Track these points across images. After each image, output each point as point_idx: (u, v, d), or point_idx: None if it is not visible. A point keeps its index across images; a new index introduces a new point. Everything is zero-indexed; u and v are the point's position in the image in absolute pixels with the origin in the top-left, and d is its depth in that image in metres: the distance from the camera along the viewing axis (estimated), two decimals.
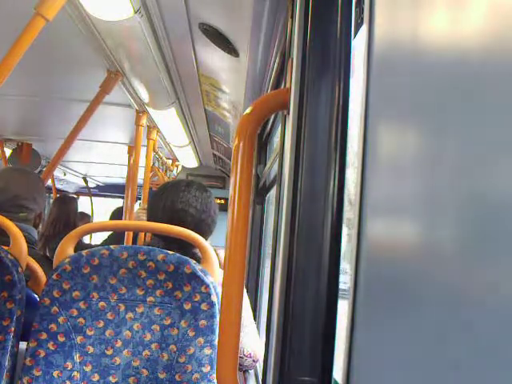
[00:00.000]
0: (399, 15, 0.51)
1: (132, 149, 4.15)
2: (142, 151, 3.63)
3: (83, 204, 8.66)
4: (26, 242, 1.70)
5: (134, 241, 3.40)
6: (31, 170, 2.30)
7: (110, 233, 3.53)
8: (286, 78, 1.07)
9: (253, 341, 1.73)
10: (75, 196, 4.10)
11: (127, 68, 2.65)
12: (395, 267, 0.48)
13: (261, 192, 2.95)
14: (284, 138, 1.05)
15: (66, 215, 3.59)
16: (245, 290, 1.21)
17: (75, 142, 3.11)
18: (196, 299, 1.52)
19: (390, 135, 0.53)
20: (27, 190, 2.00)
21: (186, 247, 1.70)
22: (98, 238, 4.90)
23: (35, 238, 2.03)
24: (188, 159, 5.89)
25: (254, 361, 1.72)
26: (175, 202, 1.77)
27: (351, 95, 0.86)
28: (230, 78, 2.73)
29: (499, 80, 0.31)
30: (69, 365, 1.49)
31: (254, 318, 2.74)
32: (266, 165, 2.85)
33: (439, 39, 0.41)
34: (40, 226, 2.20)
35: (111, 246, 1.57)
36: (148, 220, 1.80)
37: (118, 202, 7.72)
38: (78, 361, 1.50)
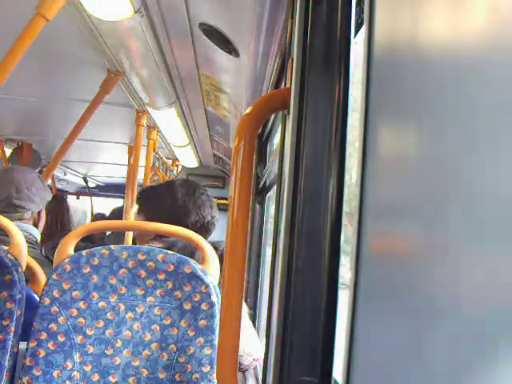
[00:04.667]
0: (399, 15, 0.51)
1: (132, 149, 4.15)
2: (142, 151, 3.63)
3: (84, 204, 8.66)
4: (26, 241, 1.70)
5: (134, 241, 3.40)
6: (28, 169, 2.29)
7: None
8: (286, 78, 1.07)
9: (252, 340, 1.73)
10: (63, 195, 4.08)
11: (127, 68, 2.64)
12: (395, 267, 0.48)
13: (261, 192, 2.95)
14: (284, 137, 1.05)
15: (59, 215, 3.56)
16: None
17: (75, 141, 3.11)
18: (196, 299, 1.52)
19: (390, 135, 0.53)
20: (19, 190, 1.99)
21: (186, 248, 1.70)
22: None
23: (36, 237, 2.02)
24: (188, 159, 5.88)
25: (254, 359, 1.72)
26: (174, 202, 1.77)
27: (351, 95, 0.86)
28: (230, 77, 2.73)
29: (500, 79, 0.31)
30: (69, 365, 1.49)
31: (254, 318, 2.74)
32: (265, 165, 2.85)
33: (439, 39, 0.41)
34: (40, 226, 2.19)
35: (111, 246, 1.57)
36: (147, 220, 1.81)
37: (118, 202, 7.72)
38: (78, 361, 1.50)
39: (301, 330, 0.86)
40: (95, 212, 6.00)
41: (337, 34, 0.87)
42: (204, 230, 1.79)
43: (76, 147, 3.46)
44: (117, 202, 7.80)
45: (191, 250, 1.71)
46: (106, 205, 8.25)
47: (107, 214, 5.14)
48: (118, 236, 3.35)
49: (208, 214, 1.81)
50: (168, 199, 1.81)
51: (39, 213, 2.09)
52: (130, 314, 1.53)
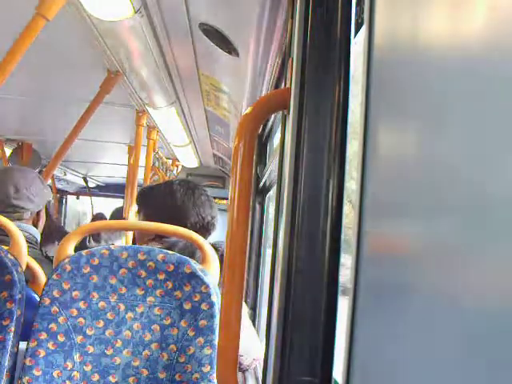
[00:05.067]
0: (399, 15, 0.51)
1: (132, 149, 4.15)
2: (142, 151, 3.63)
3: (84, 204, 8.66)
4: (26, 241, 1.70)
5: (134, 241, 3.40)
6: (28, 169, 2.28)
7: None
8: (286, 77, 1.07)
9: (252, 340, 1.73)
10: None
11: (127, 68, 2.65)
12: (395, 267, 0.48)
13: (261, 192, 2.95)
14: (284, 137, 1.05)
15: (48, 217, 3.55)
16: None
17: (75, 141, 3.11)
18: (196, 299, 1.52)
19: (390, 135, 0.53)
20: (18, 190, 1.98)
21: (187, 248, 1.70)
22: None
23: (36, 237, 2.02)
24: (188, 159, 5.89)
25: (254, 359, 1.72)
26: (174, 203, 1.77)
27: (351, 95, 0.86)
28: (230, 77, 2.73)
29: (500, 79, 0.31)
30: (69, 365, 1.49)
31: (254, 318, 2.74)
32: (265, 165, 2.85)
33: (439, 39, 0.41)
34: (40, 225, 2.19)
35: (111, 246, 1.57)
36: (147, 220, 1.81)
37: (118, 202, 7.72)
38: (78, 361, 1.50)
39: (301, 330, 0.86)
40: (95, 212, 6.04)
41: (337, 33, 0.87)
42: (204, 230, 1.79)
43: (76, 147, 3.47)
44: (117, 202, 7.81)
45: (192, 250, 1.71)
46: (106, 205, 8.26)
47: (107, 213, 5.14)
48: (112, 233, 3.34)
49: (208, 215, 1.81)
50: (167, 200, 1.81)
51: (39, 213, 2.08)
52: (130, 314, 1.53)
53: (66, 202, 8.47)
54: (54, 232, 3.35)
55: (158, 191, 1.88)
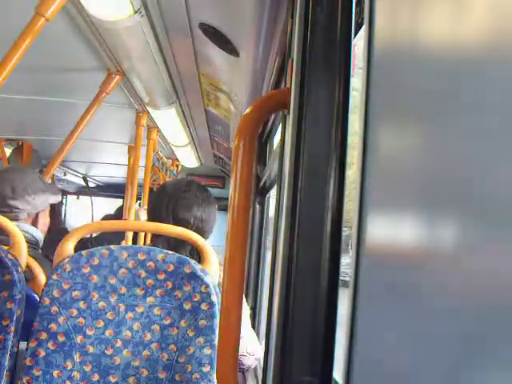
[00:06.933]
0: (399, 15, 0.51)
1: (132, 149, 4.15)
2: (142, 151, 3.63)
3: (84, 204, 8.66)
4: (26, 241, 1.70)
5: (134, 241, 3.40)
6: (29, 170, 2.27)
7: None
8: (286, 78, 1.07)
9: (253, 340, 1.73)
10: None
11: (127, 68, 2.64)
12: (395, 266, 0.48)
13: (261, 192, 2.95)
14: (284, 137, 1.05)
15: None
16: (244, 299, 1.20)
17: (75, 141, 3.11)
18: (196, 299, 1.52)
19: (390, 135, 0.53)
20: (15, 190, 1.98)
21: (187, 248, 1.70)
22: None
23: (36, 237, 2.02)
24: (188, 159, 5.88)
25: (255, 359, 1.73)
26: (177, 203, 1.77)
27: (351, 95, 0.86)
28: (230, 77, 2.73)
29: (500, 79, 0.31)
30: (69, 365, 1.49)
31: (254, 318, 2.74)
32: (265, 165, 2.85)
33: (439, 39, 0.41)
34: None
35: (111, 246, 1.57)
36: (149, 220, 1.81)
37: (118, 202, 7.71)
38: (78, 361, 1.50)
39: (301, 330, 0.86)
40: (103, 213, 6.07)
41: (337, 33, 0.87)
42: (198, 232, 1.76)
43: (76, 147, 3.46)
44: (117, 202, 7.80)
45: (180, 244, 1.70)
46: (108, 204, 8.25)
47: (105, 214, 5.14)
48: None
49: (201, 216, 1.78)
50: (161, 201, 1.80)
51: (38, 214, 2.08)
52: (129, 314, 1.53)
53: (65, 202, 8.46)
54: (55, 234, 3.35)
55: (157, 193, 1.88)
